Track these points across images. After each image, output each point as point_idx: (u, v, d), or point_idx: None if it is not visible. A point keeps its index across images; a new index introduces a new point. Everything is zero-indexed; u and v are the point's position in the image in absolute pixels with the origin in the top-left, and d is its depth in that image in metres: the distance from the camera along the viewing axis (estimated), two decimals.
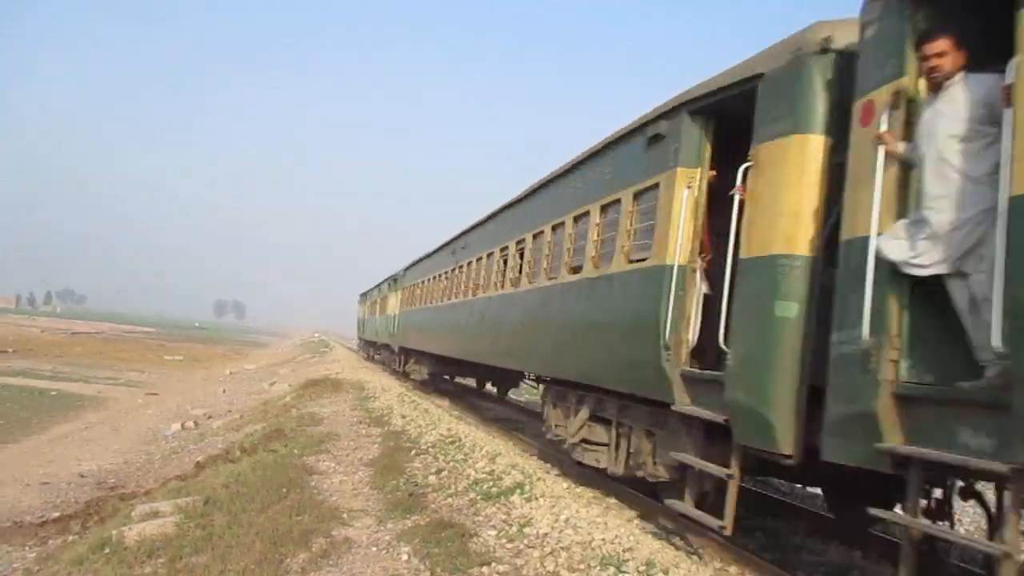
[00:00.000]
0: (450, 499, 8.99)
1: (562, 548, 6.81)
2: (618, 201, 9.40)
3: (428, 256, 26.20)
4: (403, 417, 16.37)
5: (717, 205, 7.49)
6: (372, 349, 48.21)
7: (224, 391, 34.21)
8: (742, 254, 6.71)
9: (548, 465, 11.54)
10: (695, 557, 7.16)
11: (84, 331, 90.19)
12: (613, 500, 9.29)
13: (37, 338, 67.30)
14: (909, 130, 4.99)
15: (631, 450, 9.02)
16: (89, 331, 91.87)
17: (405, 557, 6.96)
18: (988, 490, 5.87)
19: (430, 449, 12.19)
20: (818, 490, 11.99)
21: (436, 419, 15.78)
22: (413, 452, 12.10)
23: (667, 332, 7.63)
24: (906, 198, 4.95)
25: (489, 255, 16.67)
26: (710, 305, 7.59)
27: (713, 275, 7.57)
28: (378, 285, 43.36)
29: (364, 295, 54.49)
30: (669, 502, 7.85)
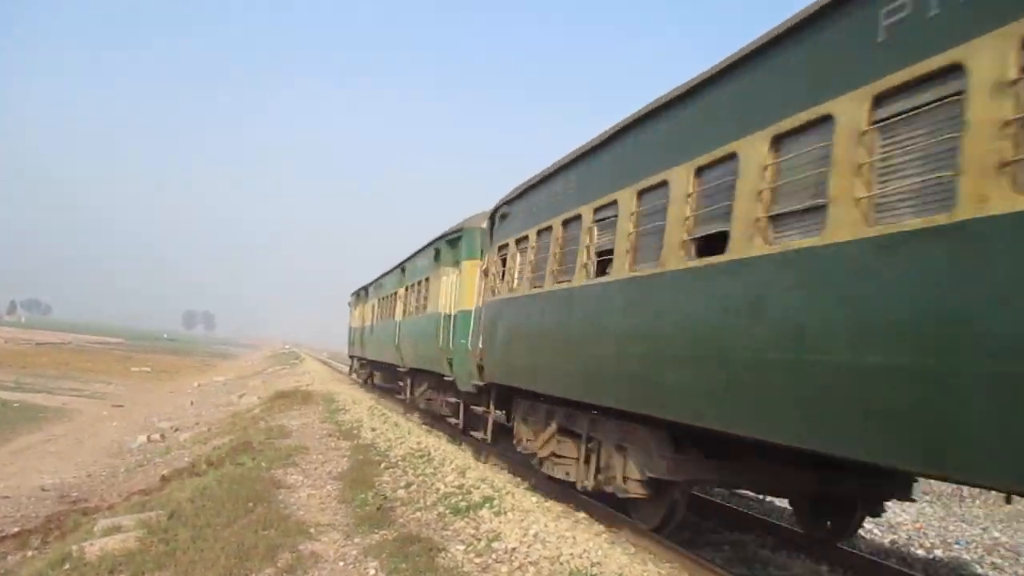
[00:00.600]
0: (419, 513, 8.95)
1: (530, 563, 6.81)
2: None
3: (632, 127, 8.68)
4: (373, 430, 16.28)
5: None
6: (380, 373, 30.63)
7: (192, 403, 33.80)
8: None
9: (518, 479, 11.50)
10: (662, 571, 7.17)
11: (49, 341, 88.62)
12: (583, 514, 9.28)
13: (0, 348, 66.01)
14: None
15: None
16: (54, 341, 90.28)
17: (372, 572, 6.92)
18: None
19: (399, 463, 12.14)
20: (787, 503, 12.12)
21: (406, 432, 15.72)
22: (382, 465, 12.03)
23: None
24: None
25: None
26: None
27: None
28: (400, 266, 24.08)
29: (363, 291, 35.44)
30: None
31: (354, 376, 40.18)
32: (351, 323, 40.00)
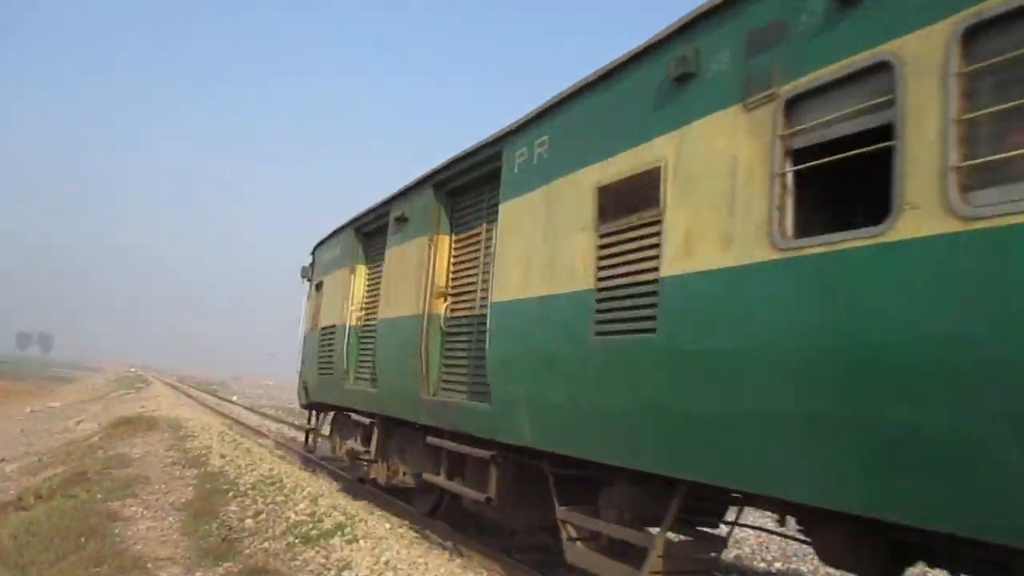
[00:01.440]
0: (267, 543, 8.69)
1: None
2: None
3: None
4: (223, 457, 15.65)
5: None
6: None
7: (22, 431, 31.26)
8: None
9: (372, 505, 11.37)
10: None
11: None
12: (435, 540, 9.28)
13: None
14: None
15: None
16: None
17: None
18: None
19: (249, 491, 11.73)
20: None
21: (258, 459, 15.21)
22: (230, 494, 11.60)
23: None
24: None
25: None
26: None
27: None
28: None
29: (375, 219, 11.76)
30: None
31: (337, 454, 14.09)
32: (321, 318, 14.26)
